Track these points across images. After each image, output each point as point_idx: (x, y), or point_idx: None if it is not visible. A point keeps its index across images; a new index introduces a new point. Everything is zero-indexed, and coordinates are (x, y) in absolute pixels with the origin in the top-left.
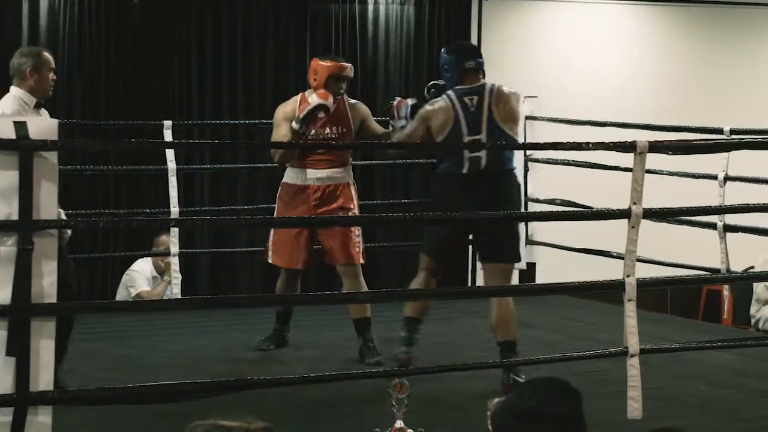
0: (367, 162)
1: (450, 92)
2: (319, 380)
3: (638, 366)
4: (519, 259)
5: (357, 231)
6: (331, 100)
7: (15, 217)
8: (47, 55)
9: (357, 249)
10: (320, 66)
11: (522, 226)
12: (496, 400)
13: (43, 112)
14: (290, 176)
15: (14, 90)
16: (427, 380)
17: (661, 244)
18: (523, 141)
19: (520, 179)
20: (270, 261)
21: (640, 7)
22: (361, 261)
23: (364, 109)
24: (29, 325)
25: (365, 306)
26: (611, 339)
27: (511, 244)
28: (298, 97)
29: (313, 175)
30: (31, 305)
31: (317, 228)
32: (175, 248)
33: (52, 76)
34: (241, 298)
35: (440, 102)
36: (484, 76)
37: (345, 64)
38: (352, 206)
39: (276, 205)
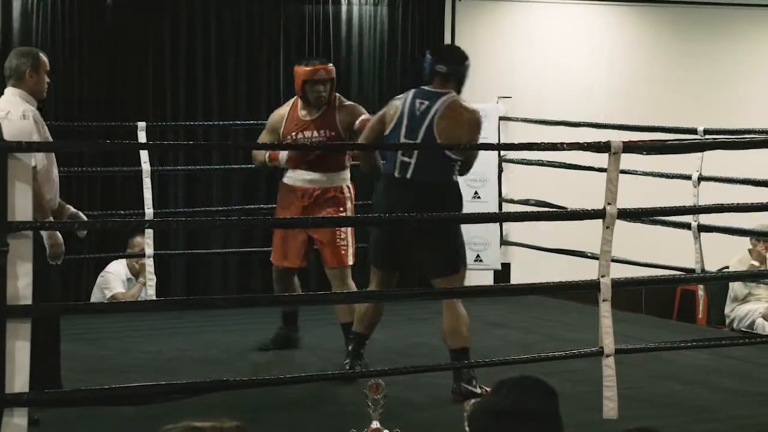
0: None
1: (412, 90)
2: (294, 381)
3: (613, 366)
4: (451, 272)
5: (344, 234)
6: (282, 157)
7: None
8: (44, 56)
9: (343, 252)
10: (296, 72)
11: (495, 227)
12: (473, 401)
13: None
14: (286, 176)
15: (13, 91)
16: (404, 381)
17: (635, 245)
18: (497, 142)
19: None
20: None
21: (613, 7)
22: (349, 263)
23: (355, 111)
24: (4, 327)
25: (351, 310)
26: (586, 339)
27: (440, 256)
28: (291, 102)
29: (303, 176)
30: (6, 307)
31: (309, 230)
32: (150, 250)
33: (47, 78)
34: (216, 299)
35: (399, 97)
36: (457, 85)
37: (318, 66)
38: (342, 210)
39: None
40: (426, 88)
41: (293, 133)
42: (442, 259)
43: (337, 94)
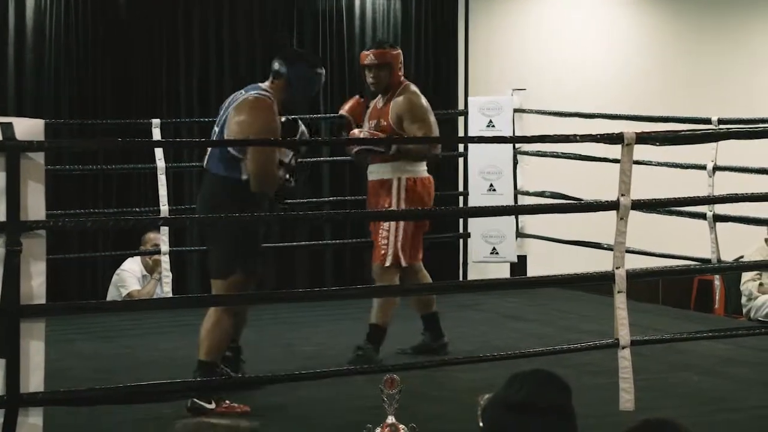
0: None
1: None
2: (309, 377)
3: (629, 357)
4: (224, 275)
5: (384, 231)
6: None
7: (2, 218)
8: None
9: (382, 251)
10: None
11: (510, 220)
12: (487, 395)
13: None
14: None
15: None
16: (418, 375)
17: (651, 235)
18: (511, 134)
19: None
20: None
21: None
22: (387, 262)
23: (404, 104)
24: (19, 327)
25: (379, 311)
26: (603, 330)
27: (214, 255)
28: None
29: (368, 170)
30: (20, 306)
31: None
32: (165, 246)
33: None
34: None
35: None
36: (273, 81)
37: (364, 52)
38: (387, 204)
39: None
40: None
41: (369, 122)
42: (217, 259)
43: (408, 83)
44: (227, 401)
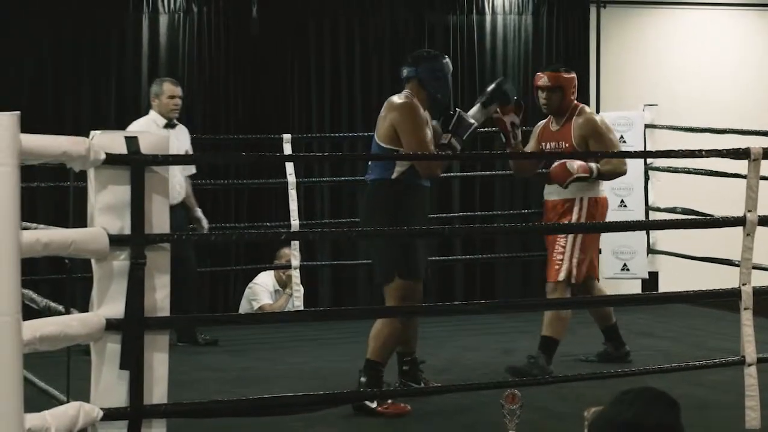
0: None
1: None
2: (437, 391)
3: (756, 375)
4: (386, 280)
5: (561, 247)
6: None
7: (127, 231)
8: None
9: (556, 267)
10: None
11: (641, 236)
12: (594, 409)
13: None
14: None
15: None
16: (543, 390)
17: None
18: (643, 149)
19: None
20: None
21: (763, 13)
22: (560, 277)
23: (587, 125)
24: (143, 339)
25: (551, 324)
26: (733, 348)
27: (377, 262)
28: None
29: (546, 190)
30: (144, 319)
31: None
32: (296, 261)
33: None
34: (358, 309)
35: None
36: (417, 85)
37: (539, 74)
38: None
39: None
40: None
41: (542, 144)
42: (379, 265)
43: (581, 105)
44: (389, 401)
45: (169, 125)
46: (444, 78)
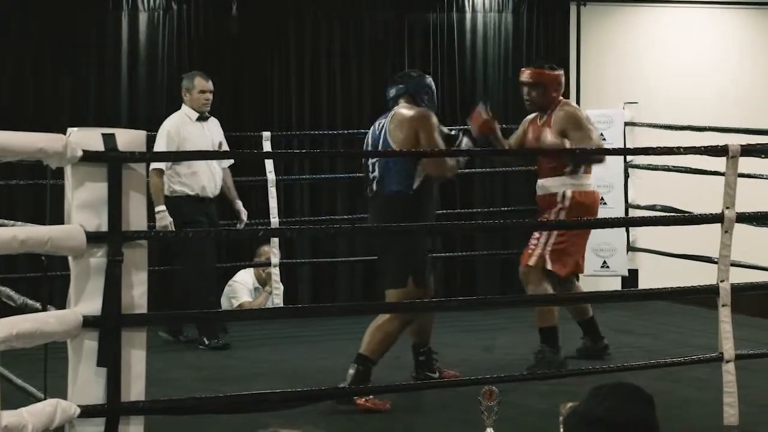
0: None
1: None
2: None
3: (734, 371)
4: (398, 284)
5: (535, 239)
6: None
7: (104, 228)
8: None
9: (529, 251)
10: None
11: (621, 233)
12: (569, 404)
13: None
14: None
15: None
16: (519, 387)
17: (762, 249)
18: (622, 147)
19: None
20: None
21: (741, 11)
22: (530, 263)
23: (566, 118)
24: (120, 336)
25: (542, 315)
26: (711, 345)
27: (388, 267)
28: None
29: (538, 184)
30: (121, 316)
31: None
32: (275, 259)
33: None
34: (339, 306)
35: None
36: (410, 99)
37: (523, 69)
38: (547, 218)
39: None
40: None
41: (529, 137)
42: (389, 270)
43: (562, 99)
44: (371, 396)
45: (201, 118)
46: (432, 93)
